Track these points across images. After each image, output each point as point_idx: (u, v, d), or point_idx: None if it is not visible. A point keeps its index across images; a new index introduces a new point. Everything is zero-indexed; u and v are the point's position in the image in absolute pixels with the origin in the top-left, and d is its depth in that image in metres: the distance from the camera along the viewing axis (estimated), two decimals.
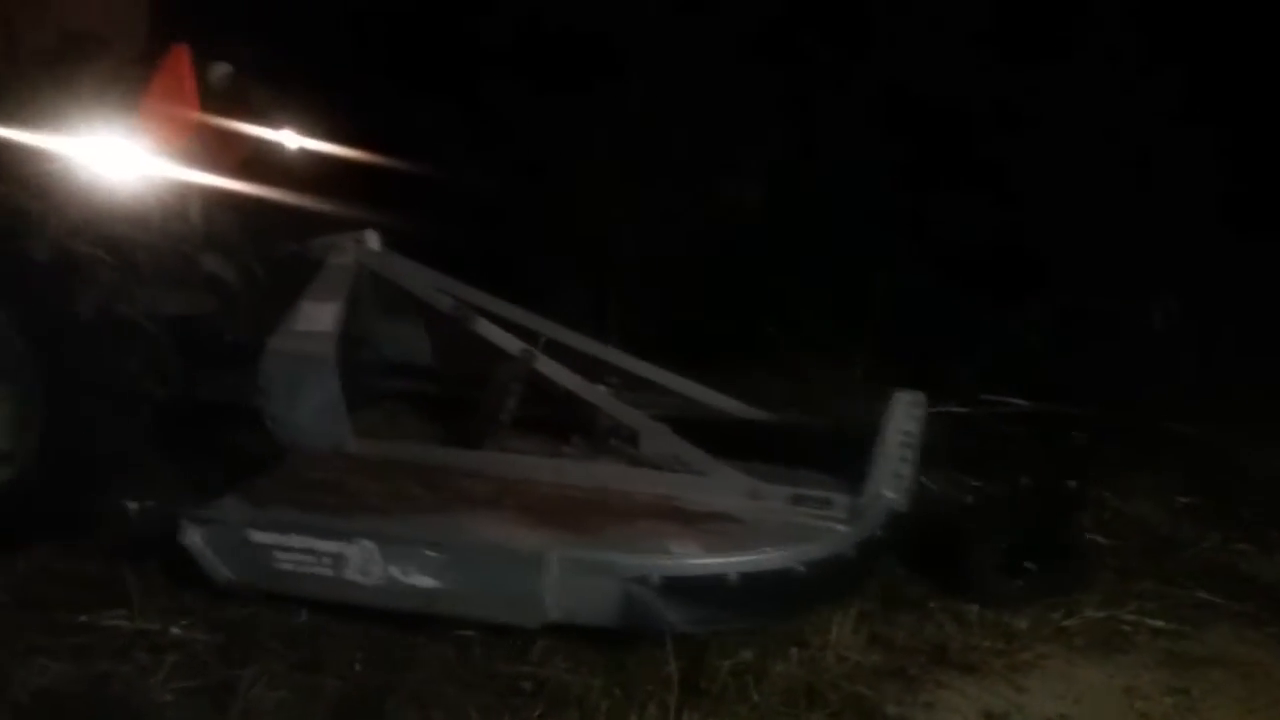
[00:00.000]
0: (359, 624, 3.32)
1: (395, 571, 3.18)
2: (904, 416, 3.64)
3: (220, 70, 4.08)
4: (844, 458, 3.61)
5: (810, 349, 6.04)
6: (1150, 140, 6.61)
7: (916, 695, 3.16)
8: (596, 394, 3.90)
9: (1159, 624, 3.60)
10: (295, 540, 3.23)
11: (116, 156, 3.81)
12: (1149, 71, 6.65)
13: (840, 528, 3.37)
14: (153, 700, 2.94)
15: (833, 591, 3.41)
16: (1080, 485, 3.75)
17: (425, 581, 3.17)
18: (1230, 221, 6.53)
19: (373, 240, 4.06)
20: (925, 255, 6.36)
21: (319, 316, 3.86)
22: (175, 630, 3.24)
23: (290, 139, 4.43)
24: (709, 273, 6.49)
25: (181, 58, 3.96)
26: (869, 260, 6.35)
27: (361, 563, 3.19)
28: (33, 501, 3.57)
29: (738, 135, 6.78)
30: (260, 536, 3.24)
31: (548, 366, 3.84)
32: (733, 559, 3.16)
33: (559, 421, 4.03)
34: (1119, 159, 6.59)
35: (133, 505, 3.35)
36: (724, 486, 3.60)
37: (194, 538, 3.25)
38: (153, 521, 3.32)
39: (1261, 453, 5.19)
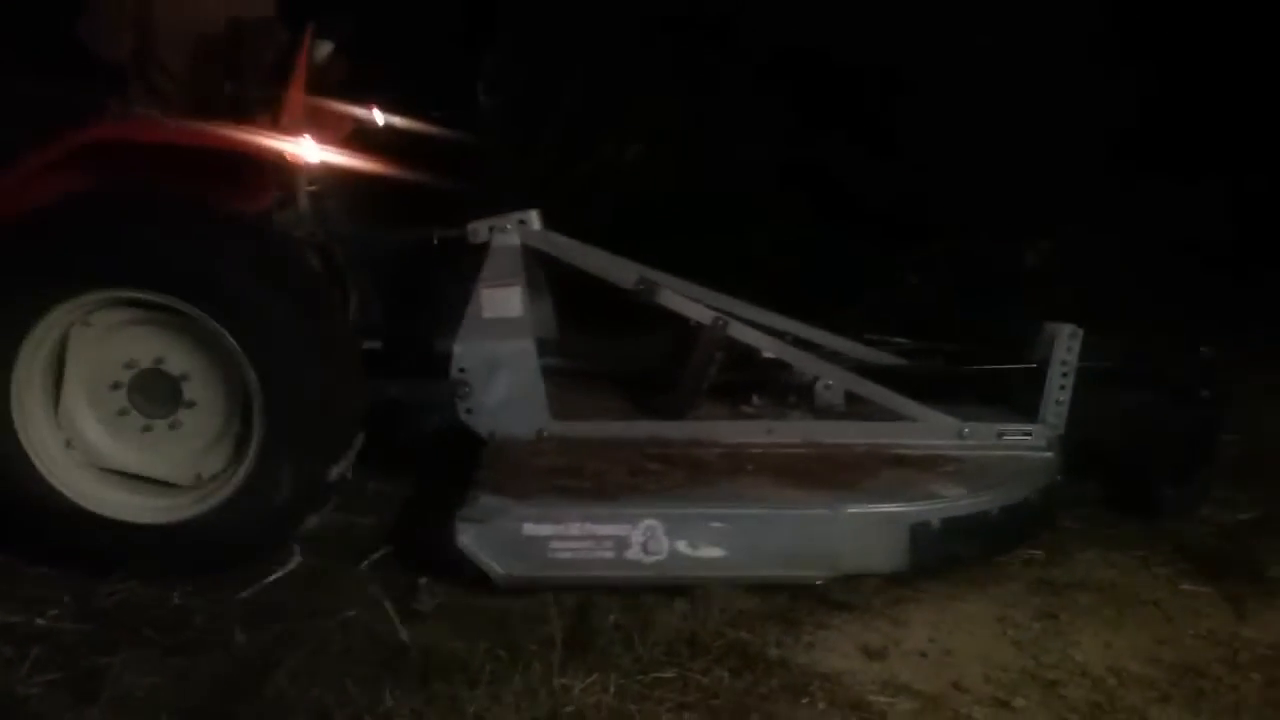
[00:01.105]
0: (235, 602, 3.28)
1: (681, 545, 3.30)
2: (1064, 347, 3.86)
3: (324, 48, 3.86)
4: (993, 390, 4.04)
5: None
6: (1032, 91, 6.78)
7: (798, 636, 3.21)
8: (797, 355, 3.99)
9: (1033, 553, 3.70)
10: (574, 529, 3.29)
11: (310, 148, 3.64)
12: (1029, 23, 6.81)
13: (1047, 455, 3.79)
14: (16, 694, 2.84)
15: (1050, 516, 3.77)
16: (1213, 393, 3.95)
17: (712, 551, 3.32)
18: (1111, 168, 6.82)
19: (535, 221, 3.93)
20: (814, 204, 6.45)
21: (506, 302, 3.79)
22: (40, 621, 3.14)
23: (385, 118, 4.23)
24: (596, 222, 6.47)
25: (307, 39, 3.81)
26: (759, 209, 6.42)
27: (644, 541, 3.29)
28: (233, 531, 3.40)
29: (626, 91, 6.75)
30: (536, 529, 3.28)
31: (740, 331, 3.90)
32: (991, 495, 3.53)
33: (728, 383, 4.06)
34: (1001, 109, 6.75)
35: None
36: (934, 429, 3.84)
37: (468, 538, 3.25)
38: None
39: None
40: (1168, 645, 3.21)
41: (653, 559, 3.30)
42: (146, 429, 3.45)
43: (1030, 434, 3.83)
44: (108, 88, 3.70)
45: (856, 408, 3.97)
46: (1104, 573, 3.62)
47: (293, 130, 3.59)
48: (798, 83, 6.53)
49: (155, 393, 3.44)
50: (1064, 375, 3.85)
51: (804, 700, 2.93)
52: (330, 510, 3.57)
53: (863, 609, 3.37)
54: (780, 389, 4.05)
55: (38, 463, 3.37)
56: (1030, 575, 3.59)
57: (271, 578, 3.41)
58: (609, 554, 3.29)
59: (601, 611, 3.21)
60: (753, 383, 4.07)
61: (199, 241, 3.32)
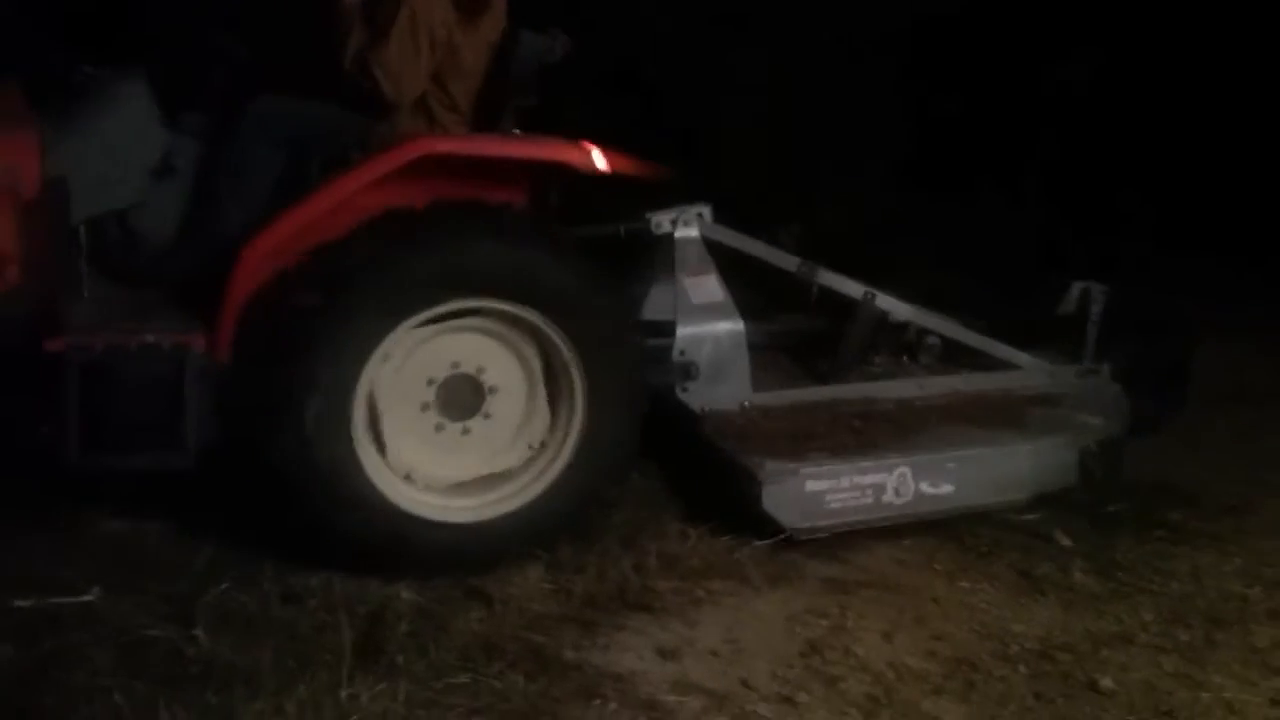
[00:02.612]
0: (10, 615, 3.10)
1: (924, 486, 3.91)
2: (1097, 300, 4.63)
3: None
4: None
5: None
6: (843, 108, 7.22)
7: (594, 639, 3.25)
8: (939, 321, 4.59)
9: (820, 551, 3.84)
10: (845, 481, 3.82)
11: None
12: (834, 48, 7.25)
13: (1117, 386, 4.59)
14: None
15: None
16: (1189, 334, 4.87)
17: (946, 489, 3.94)
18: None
19: (708, 214, 4.28)
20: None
21: (708, 288, 4.16)
22: None
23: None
24: None
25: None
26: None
27: (897, 486, 3.87)
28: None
29: None
30: (816, 485, 3.79)
31: (885, 302, 4.45)
32: (1115, 420, 4.40)
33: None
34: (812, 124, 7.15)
35: None
36: (1034, 373, 4.59)
37: (770, 501, 3.72)
38: None
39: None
40: (944, 640, 3.37)
41: (901, 500, 3.89)
42: (440, 428, 3.57)
43: (1099, 371, 4.61)
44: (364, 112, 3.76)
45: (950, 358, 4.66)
46: (890, 571, 3.78)
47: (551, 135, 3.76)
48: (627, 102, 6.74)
49: (459, 397, 3.57)
50: (1097, 322, 4.63)
51: (596, 702, 2.97)
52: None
53: (660, 610, 3.43)
54: (893, 348, 4.63)
55: (368, 469, 3.40)
56: (821, 573, 3.72)
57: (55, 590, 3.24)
58: (869, 500, 3.85)
59: (395, 619, 3.16)
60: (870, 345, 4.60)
61: (548, 251, 3.52)
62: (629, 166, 3.79)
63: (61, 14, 5.24)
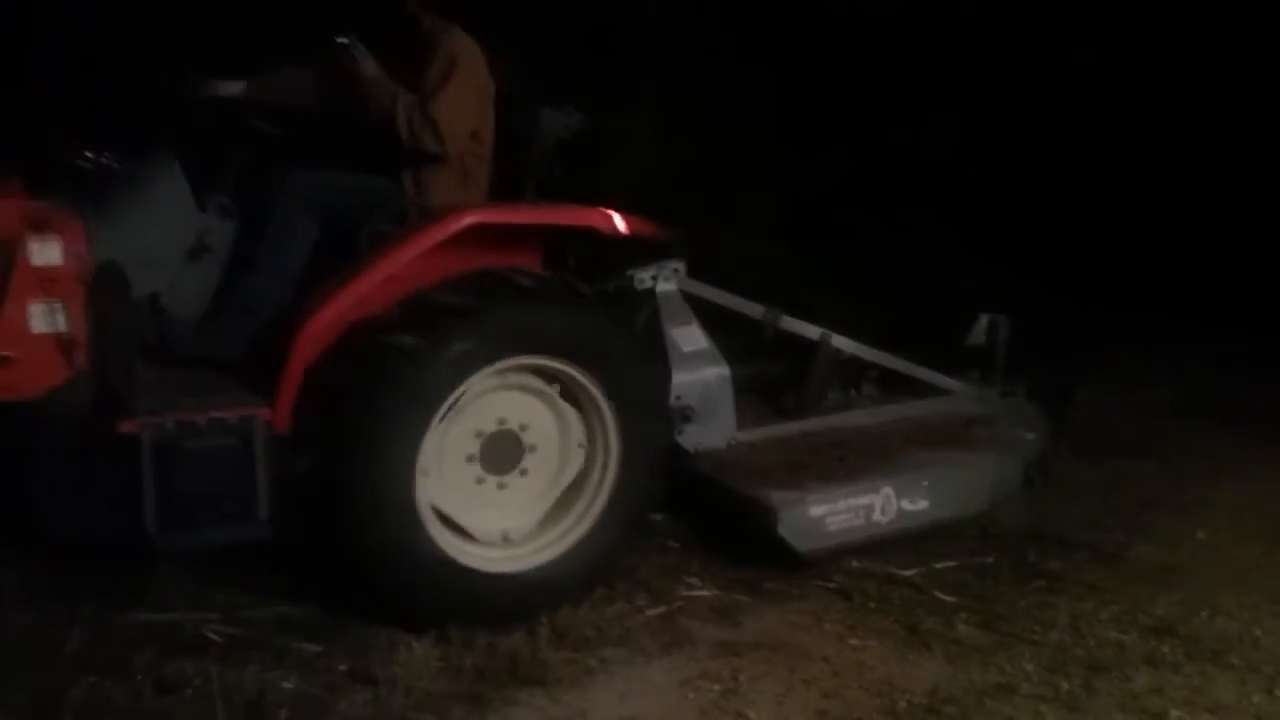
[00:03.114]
0: None
1: (904, 504, 4.28)
2: (1002, 331, 5.18)
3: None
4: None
5: None
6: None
7: (485, 716, 3.18)
8: (881, 355, 4.96)
9: (711, 615, 3.85)
10: (840, 504, 4.15)
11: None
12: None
13: (1033, 403, 5.13)
14: None
15: None
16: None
17: (921, 505, 4.32)
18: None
19: (683, 269, 4.56)
20: None
21: (694, 338, 4.44)
22: None
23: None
24: None
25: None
26: None
27: (882, 505, 4.23)
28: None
29: None
30: (818, 510, 4.10)
31: (839, 341, 4.83)
32: (1044, 433, 4.96)
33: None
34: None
35: None
36: (966, 398, 5.06)
37: (783, 527, 4.02)
38: None
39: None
40: (834, 699, 3.39)
41: (886, 518, 4.24)
42: (480, 481, 3.70)
43: (1016, 393, 5.13)
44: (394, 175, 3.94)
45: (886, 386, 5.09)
46: (780, 632, 3.79)
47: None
48: None
49: (502, 453, 3.71)
50: (1004, 350, 5.19)
51: None
52: None
53: (552, 682, 3.38)
54: (840, 382, 4.98)
55: (426, 521, 3.51)
56: (712, 637, 3.71)
57: None
58: (860, 520, 4.19)
59: (274, 707, 3.06)
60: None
61: (595, 315, 3.75)
62: (643, 229, 3.99)
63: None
